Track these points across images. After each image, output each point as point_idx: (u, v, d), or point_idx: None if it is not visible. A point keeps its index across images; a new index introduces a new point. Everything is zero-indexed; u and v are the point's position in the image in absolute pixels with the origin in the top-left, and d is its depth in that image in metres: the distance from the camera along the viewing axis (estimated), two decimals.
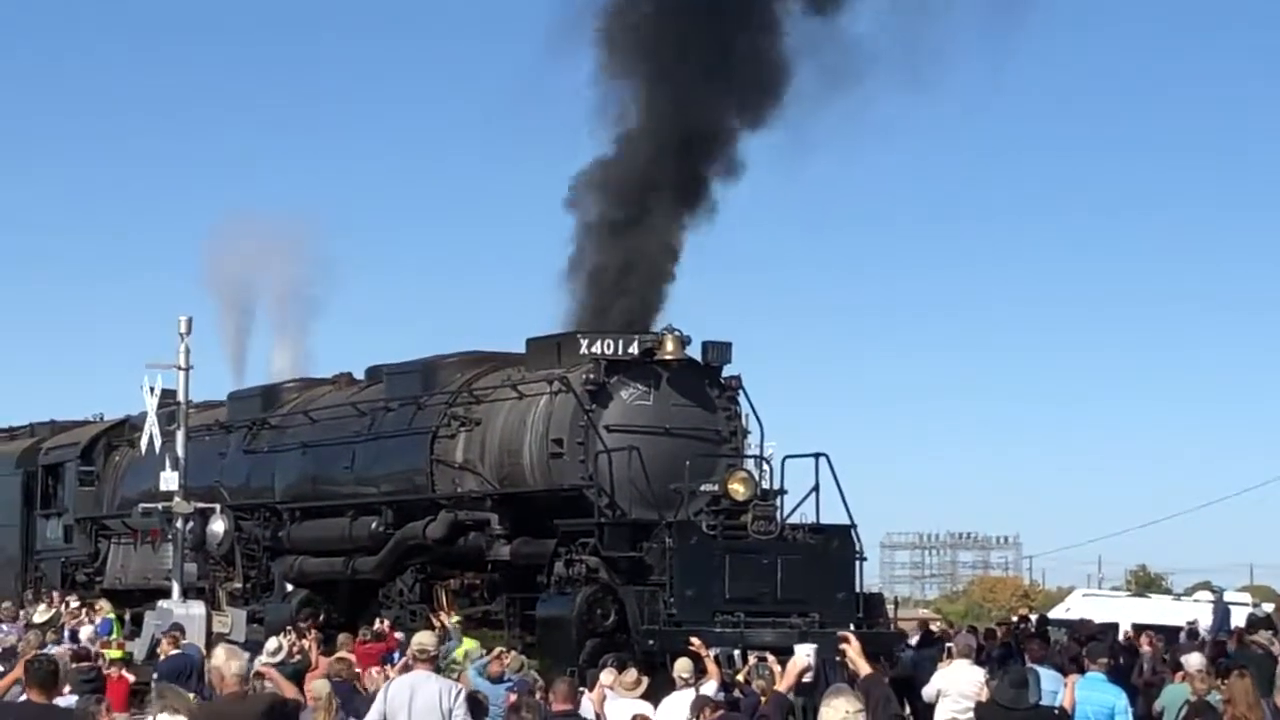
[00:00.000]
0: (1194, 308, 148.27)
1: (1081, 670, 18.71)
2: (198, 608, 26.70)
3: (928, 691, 19.05)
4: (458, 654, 22.99)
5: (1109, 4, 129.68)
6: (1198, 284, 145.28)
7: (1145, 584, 79.05)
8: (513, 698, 18.63)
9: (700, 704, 16.30)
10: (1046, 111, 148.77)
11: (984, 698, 17.22)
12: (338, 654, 21.60)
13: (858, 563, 24.14)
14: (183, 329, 27.73)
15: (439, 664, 16.98)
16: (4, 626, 28.46)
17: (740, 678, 19.86)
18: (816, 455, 23.97)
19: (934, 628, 31.46)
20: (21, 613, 31.52)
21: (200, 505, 27.92)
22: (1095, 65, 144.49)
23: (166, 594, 28.05)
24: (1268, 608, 38.11)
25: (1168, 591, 63.08)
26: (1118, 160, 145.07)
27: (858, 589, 24.09)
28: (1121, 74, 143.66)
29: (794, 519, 24.11)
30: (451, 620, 25.07)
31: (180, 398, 28.13)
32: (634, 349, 24.71)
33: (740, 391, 25.23)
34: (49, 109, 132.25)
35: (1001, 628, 31.46)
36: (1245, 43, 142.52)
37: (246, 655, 14.75)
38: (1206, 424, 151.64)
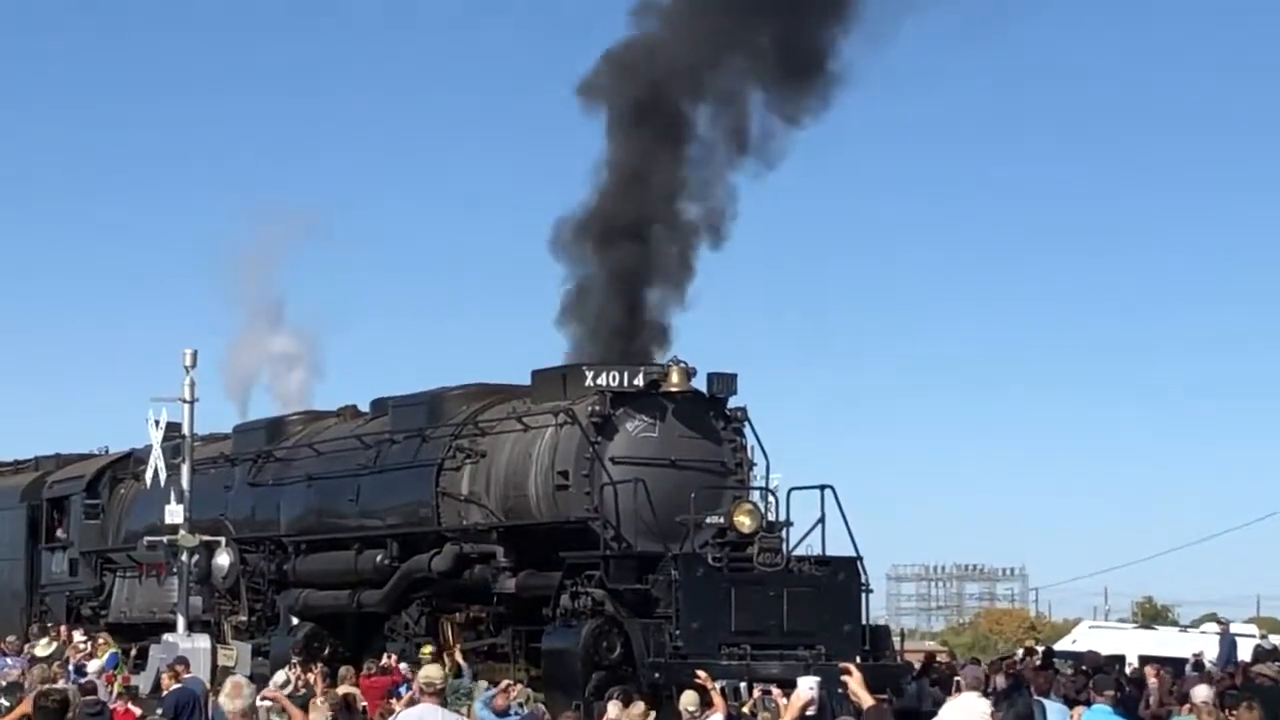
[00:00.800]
0: (1198, 340, 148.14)
1: (1088, 702, 18.68)
2: (203, 641, 26.68)
3: None
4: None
5: None
6: (1201, 316, 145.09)
7: (1152, 616, 78.95)
8: None
9: None
10: (1064, 137, 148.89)
11: None
12: (340, 687, 21.59)
13: (864, 595, 24.16)
14: (187, 362, 27.74)
15: (445, 698, 16.95)
16: (8, 660, 28.42)
17: (746, 710, 19.85)
18: (822, 487, 24.02)
19: (940, 659, 31.43)
20: (25, 646, 31.48)
21: (205, 538, 27.89)
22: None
23: (172, 627, 28.02)
24: (1275, 639, 38.02)
25: (1174, 623, 62.96)
26: (1130, 191, 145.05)
27: (864, 621, 24.09)
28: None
29: (800, 551, 24.13)
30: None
31: (185, 430, 28.13)
32: (639, 381, 24.71)
33: (745, 423, 25.23)
34: (49, 141, 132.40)
35: (1005, 662, 31.38)
36: None
37: (254, 688, 14.73)
38: (1212, 455, 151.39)
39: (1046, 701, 20.91)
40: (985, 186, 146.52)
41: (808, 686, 13.41)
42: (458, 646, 25.94)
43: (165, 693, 21.64)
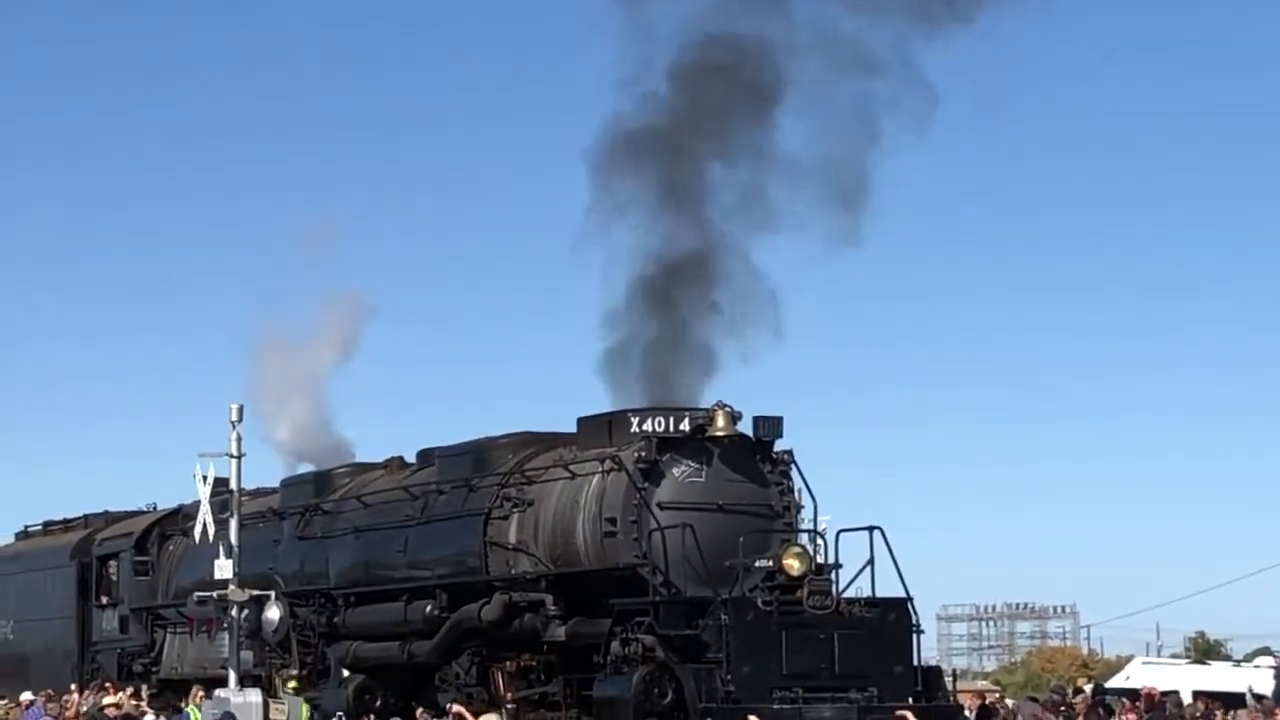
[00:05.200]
0: (1248, 374, 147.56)
1: None
2: (254, 696, 26.70)
3: None
4: None
5: None
6: (1250, 351, 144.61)
7: (1205, 651, 78.48)
8: None
9: None
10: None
11: None
12: None
13: (915, 635, 24.06)
14: (234, 417, 27.80)
15: None
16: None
17: None
18: (871, 528, 23.93)
19: (989, 700, 31.28)
20: (82, 697, 31.60)
21: (255, 593, 27.91)
22: None
23: (223, 683, 28.05)
24: None
25: (1227, 658, 62.64)
26: (1171, 233, 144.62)
27: (915, 662, 23.98)
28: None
29: (850, 593, 24.04)
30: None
31: (233, 485, 28.19)
32: (685, 426, 24.71)
33: (792, 466, 25.18)
34: (94, 199, 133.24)
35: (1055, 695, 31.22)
36: None
37: None
38: (1261, 487, 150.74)
39: None
40: (1044, 228, 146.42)
41: None
42: (509, 695, 25.91)
43: None
